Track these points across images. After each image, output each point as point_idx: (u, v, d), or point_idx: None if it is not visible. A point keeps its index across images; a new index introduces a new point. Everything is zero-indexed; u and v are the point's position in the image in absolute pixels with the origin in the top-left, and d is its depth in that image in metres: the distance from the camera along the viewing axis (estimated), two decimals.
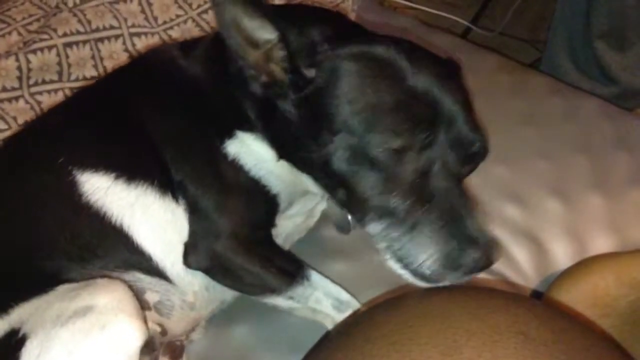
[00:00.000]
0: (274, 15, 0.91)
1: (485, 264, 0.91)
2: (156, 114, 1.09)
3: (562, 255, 1.35)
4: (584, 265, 1.25)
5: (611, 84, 2.15)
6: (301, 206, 1.20)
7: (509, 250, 1.35)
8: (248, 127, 1.07)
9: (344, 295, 1.11)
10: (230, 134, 1.07)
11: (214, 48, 1.12)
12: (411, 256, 0.92)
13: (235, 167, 1.07)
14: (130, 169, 1.05)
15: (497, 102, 1.57)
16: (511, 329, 0.72)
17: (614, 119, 1.62)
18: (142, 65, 1.20)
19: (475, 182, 1.18)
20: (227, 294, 1.16)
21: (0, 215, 1.04)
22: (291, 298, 1.09)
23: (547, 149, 1.51)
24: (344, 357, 0.79)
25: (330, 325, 1.11)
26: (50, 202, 1.04)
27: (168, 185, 1.06)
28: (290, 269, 1.09)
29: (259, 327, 1.17)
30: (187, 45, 1.17)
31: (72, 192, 1.03)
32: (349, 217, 1.20)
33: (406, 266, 0.94)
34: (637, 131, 1.59)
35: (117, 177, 1.05)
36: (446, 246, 0.90)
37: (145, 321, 0.93)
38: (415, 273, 0.94)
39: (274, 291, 1.08)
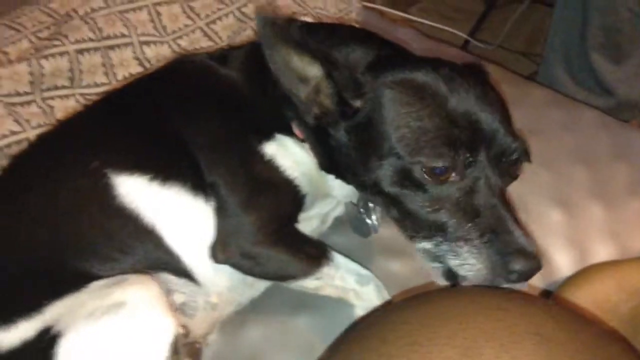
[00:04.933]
0: (318, 53, 0.97)
1: (535, 269, 0.95)
2: (193, 118, 1.12)
3: (564, 264, 1.37)
4: (585, 272, 1.28)
5: (607, 95, 2.18)
6: (319, 209, 1.24)
7: None
8: (287, 132, 1.12)
9: (364, 271, 1.18)
10: (268, 136, 1.12)
11: (252, 59, 1.17)
12: (461, 271, 0.97)
13: (271, 167, 1.11)
14: (165, 171, 1.08)
15: None
16: (528, 329, 0.74)
17: (612, 130, 1.66)
18: (175, 72, 1.23)
19: None
20: (245, 296, 1.19)
21: (34, 217, 1.06)
22: (319, 279, 1.14)
23: (548, 159, 1.54)
24: (361, 358, 0.80)
25: (353, 300, 1.17)
26: (84, 204, 1.06)
27: (200, 187, 1.09)
28: (315, 252, 1.14)
29: (270, 329, 1.19)
30: (217, 56, 1.21)
31: (107, 194, 1.05)
32: (368, 221, 1.23)
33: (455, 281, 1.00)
34: (634, 142, 1.63)
35: (151, 179, 1.07)
36: (494, 260, 0.94)
37: (175, 317, 0.95)
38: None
39: (303, 275, 1.13)
